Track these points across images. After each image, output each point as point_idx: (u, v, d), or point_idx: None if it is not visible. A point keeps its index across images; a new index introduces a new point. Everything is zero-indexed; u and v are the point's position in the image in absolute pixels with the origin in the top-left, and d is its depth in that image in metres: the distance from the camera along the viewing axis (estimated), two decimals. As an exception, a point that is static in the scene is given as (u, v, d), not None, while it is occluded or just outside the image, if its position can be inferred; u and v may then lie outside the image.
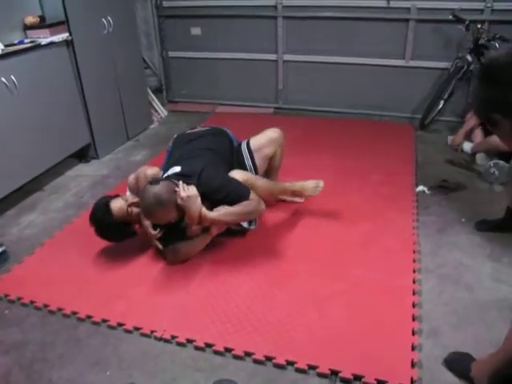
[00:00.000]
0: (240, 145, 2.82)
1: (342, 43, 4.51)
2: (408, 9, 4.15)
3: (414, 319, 2.05)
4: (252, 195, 2.41)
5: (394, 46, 4.36)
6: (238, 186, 2.43)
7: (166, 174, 2.51)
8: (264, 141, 2.81)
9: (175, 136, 2.92)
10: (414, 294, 2.20)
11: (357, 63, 4.53)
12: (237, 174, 2.50)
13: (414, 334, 1.97)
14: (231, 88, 5.12)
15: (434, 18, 4.09)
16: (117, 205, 2.48)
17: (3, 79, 3.00)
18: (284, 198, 3.00)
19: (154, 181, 2.30)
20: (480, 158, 3.43)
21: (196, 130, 2.95)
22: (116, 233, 2.55)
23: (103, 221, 2.47)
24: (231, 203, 2.37)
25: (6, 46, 3.06)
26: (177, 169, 2.49)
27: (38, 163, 3.41)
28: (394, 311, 2.10)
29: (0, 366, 1.97)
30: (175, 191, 2.28)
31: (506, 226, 2.62)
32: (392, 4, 4.16)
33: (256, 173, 2.74)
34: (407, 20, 4.19)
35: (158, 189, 2.23)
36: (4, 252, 2.66)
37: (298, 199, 3.00)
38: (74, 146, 3.78)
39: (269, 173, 2.95)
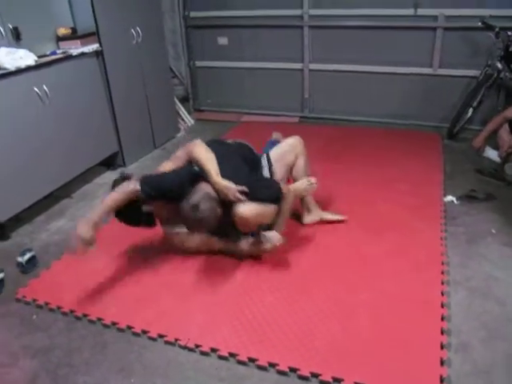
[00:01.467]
0: (260, 157, 2.79)
1: (368, 52, 4.48)
2: (436, 17, 4.10)
3: (442, 333, 2.00)
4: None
5: (421, 55, 4.31)
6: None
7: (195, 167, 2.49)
8: (281, 150, 2.80)
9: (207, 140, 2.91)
10: (442, 306, 2.15)
11: (383, 72, 4.49)
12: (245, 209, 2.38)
13: (442, 348, 1.92)
14: (257, 97, 5.14)
15: (463, 25, 4.03)
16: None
17: (36, 89, 3.08)
18: (319, 219, 2.91)
19: (193, 207, 2.25)
20: (509, 167, 3.34)
21: (224, 140, 2.94)
22: (132, 213, 2.47)
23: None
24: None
25: (39, 56, 3.15)
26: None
27: (68, 170, 3.48)
28: (422, 324, 2.05)
29: (27, 370, 2.01)
30: (216, 205, 2.30)
31: None
32: (419, 12, 4.12)
33: None
34: (435, 28, 4.14)
35: (202, 215, 2.24)
36: (33, 257, 2.72)
37: (333, 216, 2.92)
38: (102, 154, 3.85)
39: None
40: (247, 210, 2.34)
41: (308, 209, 2.88)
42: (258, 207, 2.37)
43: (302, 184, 2.66)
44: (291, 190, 2.57)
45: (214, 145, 2.64)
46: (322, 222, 2.90)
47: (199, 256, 2.63)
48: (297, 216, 2.88)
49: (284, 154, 2.78)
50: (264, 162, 2.75)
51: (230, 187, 2.34)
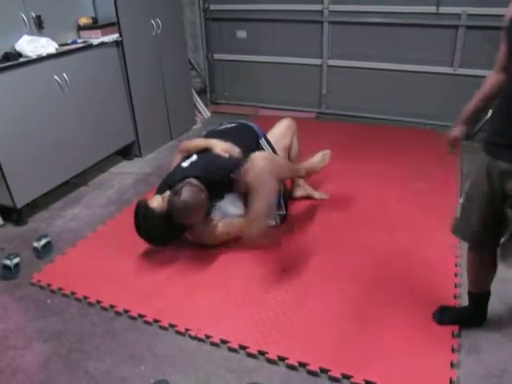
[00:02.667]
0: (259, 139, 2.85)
1: (388, 49, 4.44)
2: (458, 15, 4.03)
3: (453, 335, 1.98)
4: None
5: (441, 53, 4.25)
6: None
7: (183, 163, 2.63)
8: (278, 132, 2.91)
9: (205, 132, 3.00)
10: (453, 309, 2.13)
11: (402, 70, 4.44)
12: (259, 156, 2.45)
13: (453, 350, 1.91)
14: (274, 91, 5.13)
15: (486, 24, 3.96)
16: (154, 203, 2.47)
17: (56, 77, 3.11)
18: (306, 194, 3.12)
19: (176, 191, 2.38)
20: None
21: (224, 126, 2.98)
22: (160, 232, 2.50)
23: (147, 220, 2.45)
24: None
25: (60, 45, 3.18)
26: (194, 157, 2.64)
27: (85, 159, 3.52)
28: (433, 326, 2.03)
29: (40, 354, 2.04)
30: (199, 190, 2.40)
31: None
32: (441, 10, 4.06)
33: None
34: (457, 26, 4.08)
35: (184, 198, 2.33)
36: (49, 243, 2.76)
37: (320, 195, 3.12)
38: (119, 143, 3.88)
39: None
40: (260, 156, 2.44)
41: (297, 183, 3.09)
42: (270, 155, 2.58)
43: (317, 157, 2.79)
44: (302, 168, 2.72)
45: (211, 134, 2.85)
46: (328, 212, 2.98)
47: (212, 249, 2.65)
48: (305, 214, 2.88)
49: (281, 136, 2.89)
50: (264, 144, 2.81)
51: (219, 142, 2.61)
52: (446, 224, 2.76)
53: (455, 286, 2.28)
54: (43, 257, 2.69)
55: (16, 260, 2.60)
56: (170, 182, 2.55)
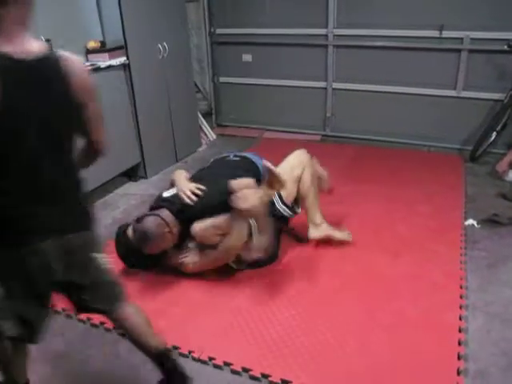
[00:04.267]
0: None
1: (392, 72, 4.49)
2: (461, 39, 4.09)
3: (459, 358, 1.96)
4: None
5: (445, 77, 4.30)
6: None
7: (165, 192, 2.66)
8: (289, 164, 2.73)
9: (212, 159, 2.99)
10: (460, 331, 2.11)
11: (407, 93, 4.49)
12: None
13: (459, 373, 1.88)
14: (279, 114, 5.17)
15: (488, 48, 4.02)
16: (130, 229, 2.54)
17: (63, 99, 3.16)
18: (324, 236, 2.79)
19: (139, 218, 2.44)
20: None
21: (229, 158, 2.91)
22: (137, 259, 2.56)
23: (121, 247, 2.55)
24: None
25: (68, 68, 3.23)
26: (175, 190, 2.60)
27: (91, 180, 3.47)
28: (439, 348, 2.01)
29: (41, 375, 2.02)
30: (164, 224, 2.38)
31: None
32: (444, 34, 4.12)
33: (281, 199, 2.69)
34: (460, 50, 4.13)
35: (146, 225, 2.37)
36: None
37: (343, 235, 2.81)
38: (125, 164, 3.92)
39: (304, 202, 2.76)
40: (197, 227, 2.42)
41: (313, 222, 2.74)
42: (208, 222, 2.42)
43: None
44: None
45: (214, 161, 2.87)
46: (328, 239, 2.78)
47: (213, 269, 2.63)
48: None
49: (292, 168, 2.70)
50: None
51: (184, 186, 2.52)
52: (452, 247, 2.78)
53: (460, 308, 2.26)
54: None
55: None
56: (150, 207, 2.62)
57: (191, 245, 2.54)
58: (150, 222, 2.39)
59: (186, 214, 2.47)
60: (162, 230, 2.38)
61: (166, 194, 2.64)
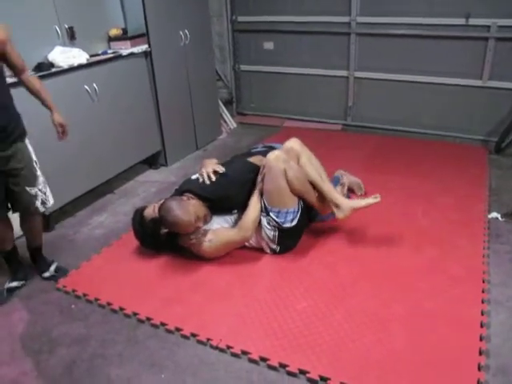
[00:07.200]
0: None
1: (415, 61, 4.39)
2: (488, 27, 3.97)
3: (480, 353, 1.92)
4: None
5: (471, 66, 4.19)
6: None
7: (193, 175, 2.76)
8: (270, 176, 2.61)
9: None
10: (481, 326, 2.07)
11: (431, 82, 4.39)
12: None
13: (480, 369, 1.85)
14: (300, 103, 5.13)
15: (517, 36, 3.91)
16: (148, 210, 2.67)
17: (86, 86, 3.19)
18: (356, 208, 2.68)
19: (169, 200, 2.54)
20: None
21: (256, 149, 3.00)
22: (153, 240, 2.69)
23: (138, 227, 2.68)
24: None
25: (91, 56, 3.26)
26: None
27: (112, 167, 3.58)
28: (459, 343, 1.98)
29: (64, 357, 2.07)
30: (187, 203, 2.49)
31: None
32: (471, 22, 4.01)
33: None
34: (486, 38, 4.02)
35: (175, 212, 2.43)
36: (58, 267, 2.70)
37: (369, 201, 2.66)
38: (146, 152, 3.94)
39: (315, 188, 2.72)
40: (205, 243, 2.56)
41: (334, 204, 2.67)
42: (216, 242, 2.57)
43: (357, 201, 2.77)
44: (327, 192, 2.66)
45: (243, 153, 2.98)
46: (358, 211, 2.67)
47: (233, 258, 2.66)
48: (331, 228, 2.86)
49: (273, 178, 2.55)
50: None
51: (206, 166, 2.69)
52: (474, 240, 2.73)
53: (482, 302, 2.22)
54: (61, 277, 2.63)
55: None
56: (178, 189, 2.73)
57: (206, 227, 2.61)
58: (176, 203, 2.47)
59: (206, 191, 2.59)
60: (186, 209, 2.45)
61: (193, 177, 2.73)
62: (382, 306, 2.24)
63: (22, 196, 2.36)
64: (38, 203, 2.42)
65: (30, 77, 2.37)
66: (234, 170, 2.71)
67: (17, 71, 2.28)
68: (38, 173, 2.41)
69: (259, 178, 2.62)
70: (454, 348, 1.96)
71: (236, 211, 2.70)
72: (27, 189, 2.35)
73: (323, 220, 2.89)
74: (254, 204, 2.59)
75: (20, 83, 2.35)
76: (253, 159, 2.80)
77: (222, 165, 2.74)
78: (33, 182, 2.37)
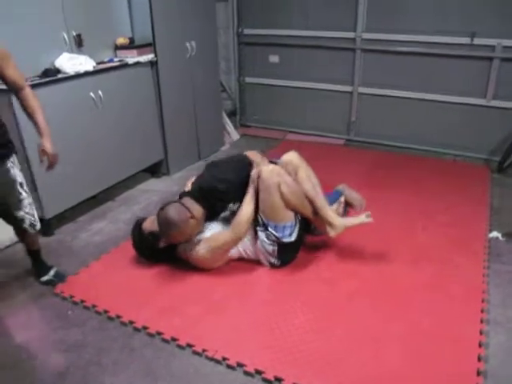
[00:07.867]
0: None
1: (420, 79, 4.42)
2: (493, 47, 4.00)
3: (478, 374, 1.91)
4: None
5: (474, 85, 4.21)
6: None
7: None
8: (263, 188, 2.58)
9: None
10: (480, 346, 2.06)
11: (434, 100, 4.42)
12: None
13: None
14: (303, 116, 5.16)
15: (522, 57, 3.93)
16: (147, 222, 2.69)
17: (91, 94, 3.21)
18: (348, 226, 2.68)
19: (164, 205, 2.54)
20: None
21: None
22: (151, 252, 2.70)
23: (136, 239, 2.70)
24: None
25: (97, 63, 3.29)
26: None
27: (113, 174, 3.59)
28: (457, 362, 1.97)
29: (59, 363, 2.06)
30: (186, 211, 2.49)
31: None
32: (476, 41, 4.04)
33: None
34: (491, 58, 4.05)
35: (169, 213, 2.46)
36: (57, 272, 2.69)
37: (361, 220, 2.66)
38: (148, 160, 3.95)
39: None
40: (200, 251, 2.56)
41: (327, 222, 2.64)
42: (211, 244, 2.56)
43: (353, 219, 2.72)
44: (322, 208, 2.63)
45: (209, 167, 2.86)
46: (352, 240, 2.76)
47: (230, 270, 2.65)
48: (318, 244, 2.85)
49: (266, 190, 2.53)
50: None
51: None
52: (474, 259, 2.72)
53: (481, 322, 2.21)
54: (59, 282, 2.62)
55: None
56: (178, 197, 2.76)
57: (199, 237, 2.60)
58: (172, 210, 2.48)
59: (201, 182, 2.66)
60: (183, 216, 2.46)
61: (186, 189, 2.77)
62: (379, 323, 2.22)
63: (8, 217, 2.35)
64: (26, 225, 2.38)
65: (30, 95, 2.21)
66: (227, 161, 2.80)
67: (15, 88, 2.19)
68: (23, 195, 2.32)
69: (253, 175, 2.58)
70: (451, 367, 1.94)
71: (232, 204, 2.68)
72: (13, 211, 2.32)
73: (322, 234, 2.88)
74: (248, 202, 2.57)
75: (17, 99, 2.25)
76: (249, 153, 2.84)
77: (216, 162, 2.84)
78: (17, 205, 2.32)
